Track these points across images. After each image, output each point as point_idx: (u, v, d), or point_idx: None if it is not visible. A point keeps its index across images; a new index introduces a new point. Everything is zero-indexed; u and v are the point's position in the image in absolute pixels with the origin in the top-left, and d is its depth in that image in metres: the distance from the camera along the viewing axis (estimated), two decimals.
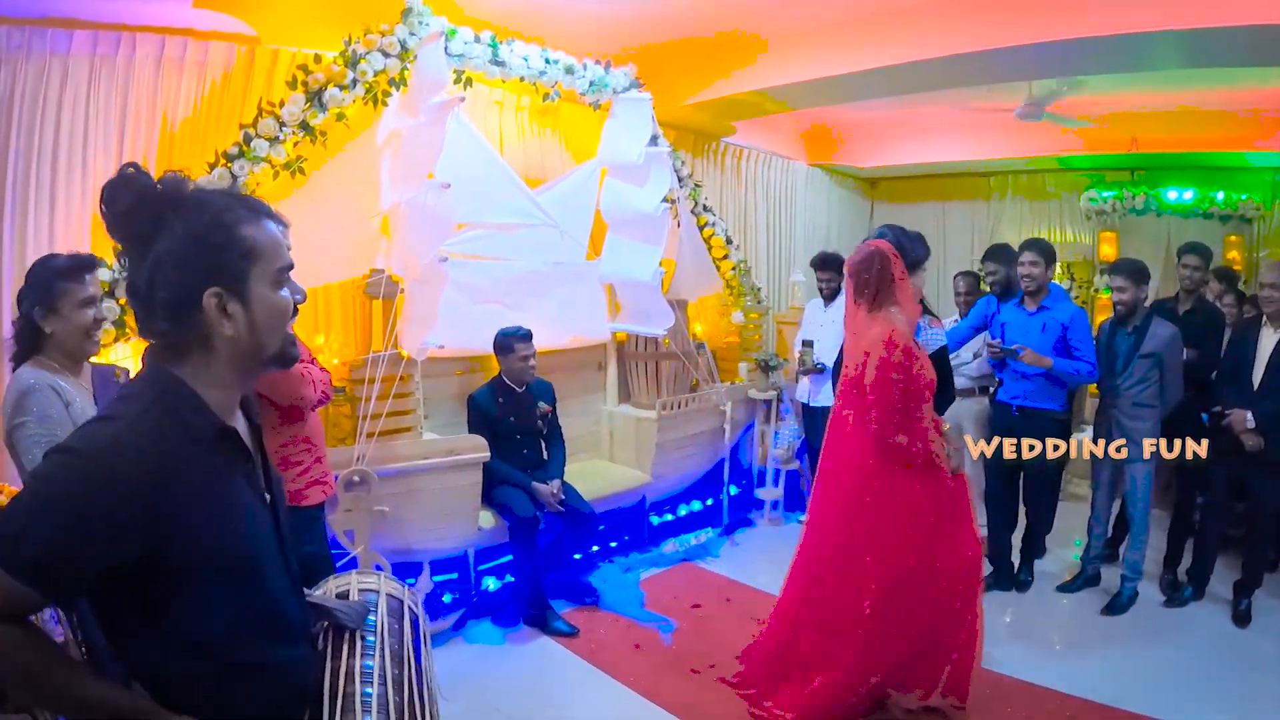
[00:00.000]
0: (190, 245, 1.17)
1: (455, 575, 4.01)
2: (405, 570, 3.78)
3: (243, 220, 1.22)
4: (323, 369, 3.14)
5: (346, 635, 1.49)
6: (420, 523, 3.82)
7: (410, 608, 1.70)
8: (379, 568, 3.59)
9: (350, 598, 1.64)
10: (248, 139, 3.47)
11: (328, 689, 1.39)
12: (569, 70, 4.62)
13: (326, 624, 1.50)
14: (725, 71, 5.51)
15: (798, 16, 4.84)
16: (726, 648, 3.77)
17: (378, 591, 1.67)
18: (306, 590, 1.53)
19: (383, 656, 1.49)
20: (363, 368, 3.72)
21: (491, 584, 4.14)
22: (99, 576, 1.12)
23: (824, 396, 5.26)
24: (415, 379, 4.14)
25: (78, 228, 3.38)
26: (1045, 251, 4.27)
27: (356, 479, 3.55)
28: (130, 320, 3.21)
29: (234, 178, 3.41)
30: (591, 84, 4.76)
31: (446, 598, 3.94)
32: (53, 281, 2.32)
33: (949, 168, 8.37)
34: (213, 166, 3.42)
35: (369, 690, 1.41)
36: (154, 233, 1.17)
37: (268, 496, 1.37)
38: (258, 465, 1.37)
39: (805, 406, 5.33)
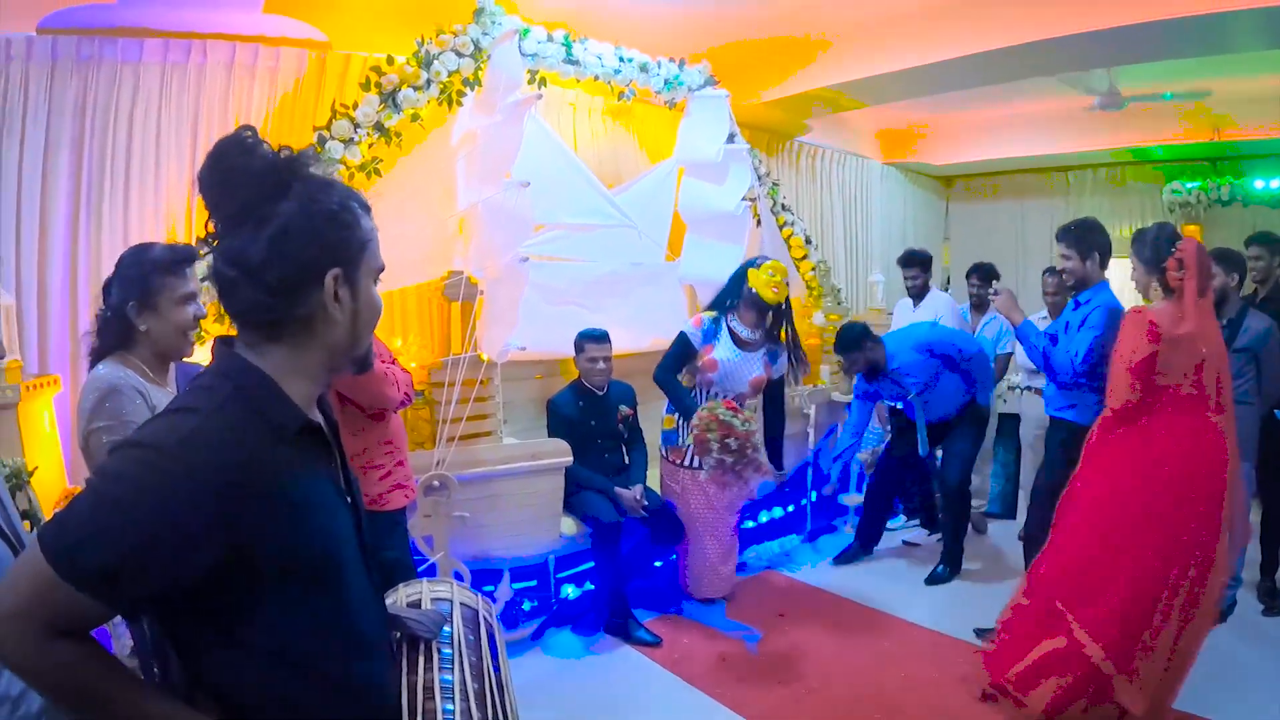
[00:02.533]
0: (322, 221, 1.06)
1: (535, 583, 3.79)
2: (485, 577, 3.58)
3: (363, 211, 1.14)
4: (404, 370, 2.96)
5: (422, 647, 1.37)
6: (501, 529, 3.63)
7: (485, 618, 1.56)
8: (459, 574, 3.45)
9: (422, 607, 1.50)
10: (321, 141, 3.35)
11: (405, 705, 1.26)
12: (643, 68, 4.42)
13: (399, 634, 1.37)
14: (797, 68, 5.25)
15: (868, 11, 4.58)
16: (814, 659, 3.52)
17: (451, 600, 1.53)
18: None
19: (462, 670, 1.37)
20: (442, 371, 3.56)
21: (571, 592, 3.91)
22: (173, 586, 0.98)
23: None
24: (495, 382, 3.99)
25: (151, 232, 3.32)
26: (1077, 241, 3.47)
27: (436, 484, 3.39)
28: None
29: None
30: (666, 82, 4.56)
31: (526, 605, 3.72)
32: (151, 275, 2.03)
33: (1026, 163, 7.93)
34: None
35: (449, 707, 1.29)
36: (277, 200, 1.05)
37: (349, 499, 1.23)
38: (339, 464, 1.23)
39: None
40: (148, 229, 3.35)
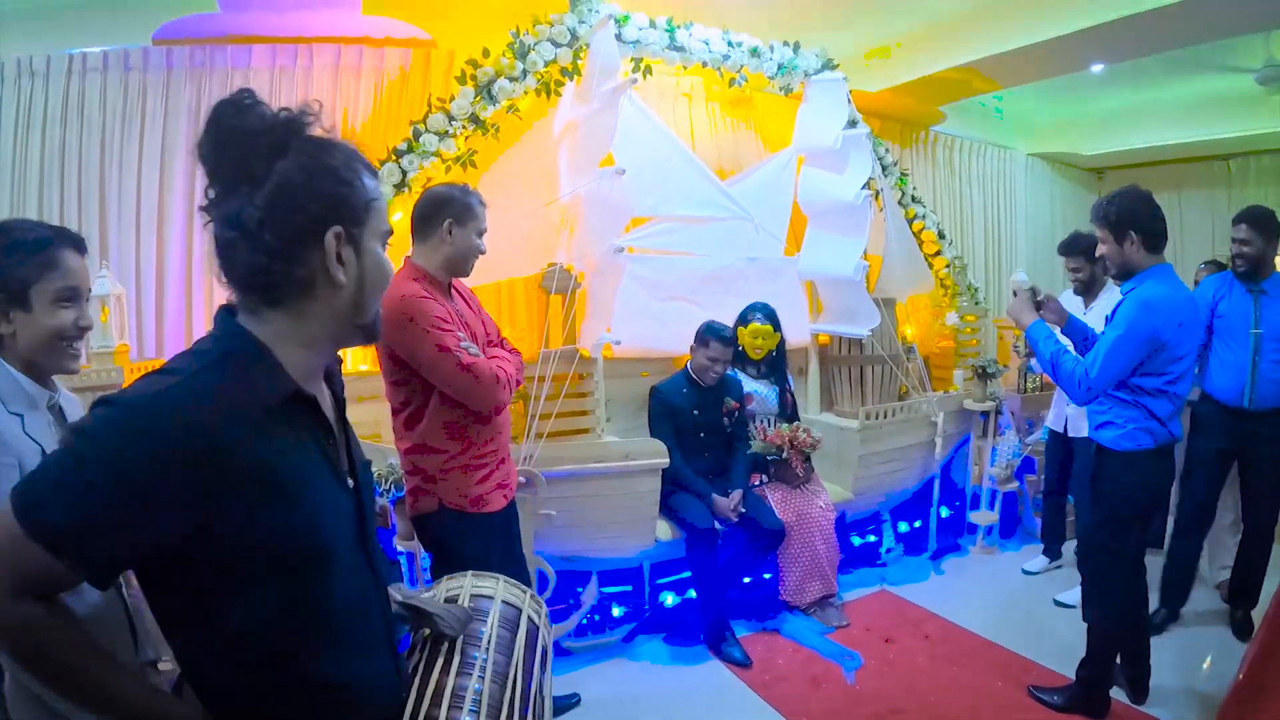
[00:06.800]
0: (321, 177, 0.99)
1: (629, 588, 3.56)
2: (573, 579, 3.38)
3: (367, 171, 1.06)
4: (514, 350, 2.56)
5: (445, 646, 1.26)
6: (591, 530, 3.36)
7: (530, 618, 1.40)
8: (543, 574, 3.27)
9: (461, 602, 1.36)
10: (417, 134, 3.27)
11: (409, 711, 1.16)
12: (754, 53, 4.09)
13: (428, 632, 1.27)
14: (925, 48, 4.79)
15: None
16: (916, 692, 3.04)
17: (493, 597, 1.38)
18: (412, 591, 1.30)
19: (482, 675, 1.25)
20: (535, 364, 3.41)
21: (669, 599, 3.63)
22: (140, 554, 0.92)
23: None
24: (595, 378, 3.79)
25: None
26: (1107, 220, 2.66)
27: (523, 479, 3.23)
28: None
29: (403, 173, 3.22)
30: (780, 67, 4.21)
31: (617, 610, 3.47)
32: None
33: (1181, 150, 6.93)
34: (383, 163, 3.24)
35: (457, 715, 1.18)
36: (275, 158, 0.97)
37: (350, 482, 1.12)
38: (340, 443, 1.13)
39: (1054, 434, 4.19)
40: None
